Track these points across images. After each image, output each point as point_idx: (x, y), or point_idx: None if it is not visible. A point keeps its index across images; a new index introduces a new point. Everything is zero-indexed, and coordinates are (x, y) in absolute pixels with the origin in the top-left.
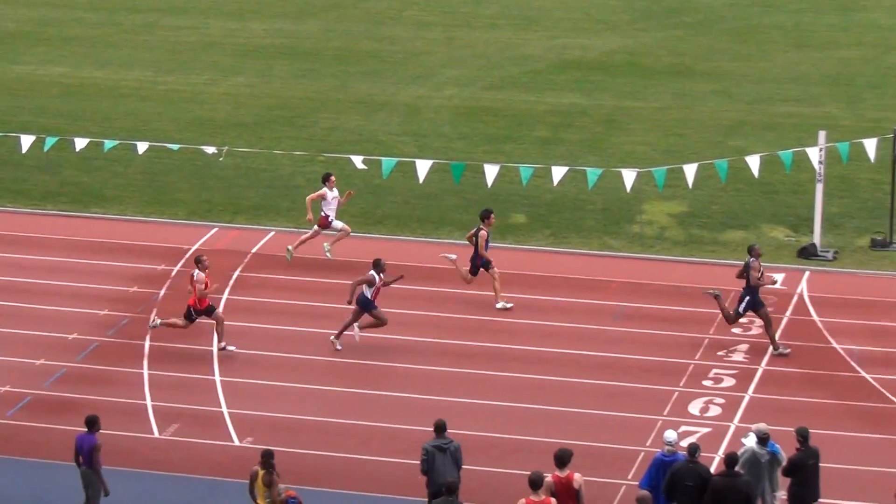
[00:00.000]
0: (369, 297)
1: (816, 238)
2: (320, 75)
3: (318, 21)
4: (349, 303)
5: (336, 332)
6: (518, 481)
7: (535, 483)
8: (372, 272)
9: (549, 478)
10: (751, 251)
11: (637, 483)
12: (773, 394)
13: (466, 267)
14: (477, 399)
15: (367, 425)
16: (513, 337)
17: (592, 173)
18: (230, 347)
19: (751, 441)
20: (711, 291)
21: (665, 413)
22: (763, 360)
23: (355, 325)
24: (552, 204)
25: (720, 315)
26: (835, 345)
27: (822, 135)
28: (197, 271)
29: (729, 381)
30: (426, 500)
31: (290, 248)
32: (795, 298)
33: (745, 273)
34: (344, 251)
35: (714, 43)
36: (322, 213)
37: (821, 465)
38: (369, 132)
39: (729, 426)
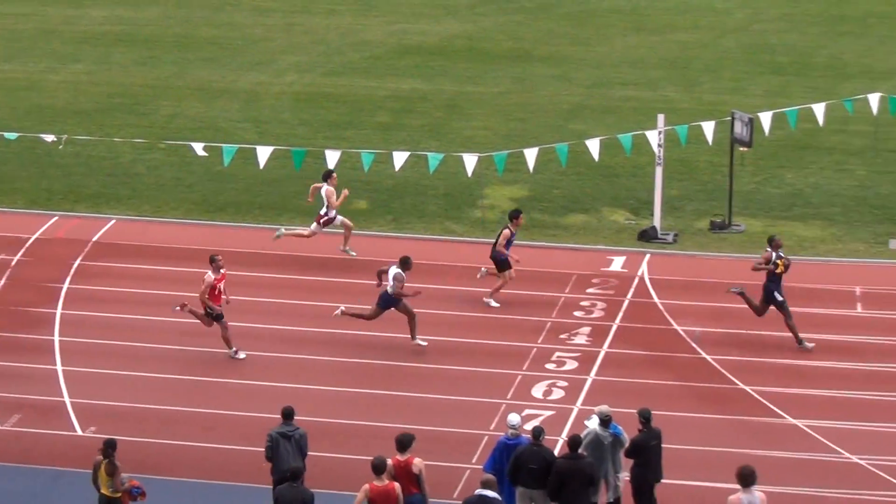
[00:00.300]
0: (391, 294)
1: (657, 221)
2: (160, 62)
3: (157, 8)
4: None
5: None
6: (362, 466)
7: (379, 468)
8: (398, 270)
9: (390, 461)
10: (770, 242)
11: (481, 467)
12: (616, 376)
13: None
14: (321, 385)
15: (210, 413)
16: (356, 322)
17: (434, 158)
18: (241, 354)
19: (594, 423)
20: (735, 290)
21: (508, 397)
22: (605, 342)
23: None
24: (394, 189)
25: (562, 299)
26: (675, 326)
27: (660, 118)
28: (209, 272)
29: (572, 364)
30: (271, 486)
31: (347, 249)
32: (636, 281)
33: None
34: (184, 238)
35: (553, 27)
36: (321, 211)
37: (663, 445)
38: (210, 119)
39: (572, 409)
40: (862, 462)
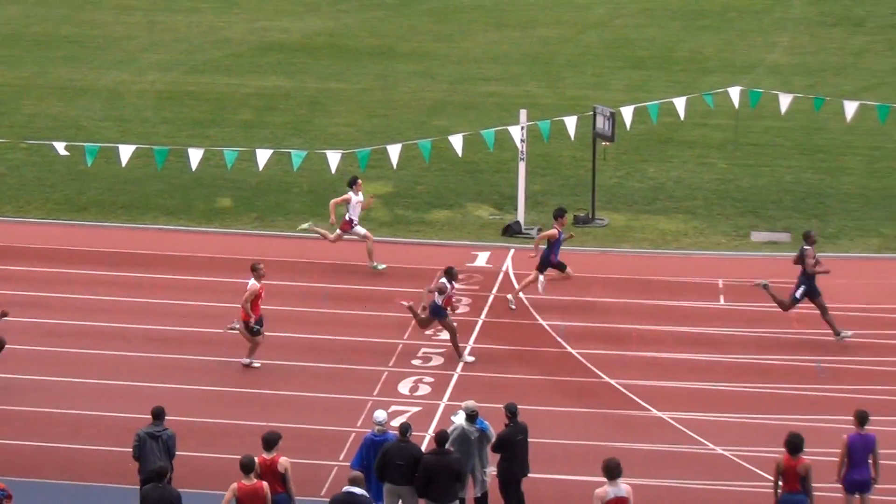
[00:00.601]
0: (440, 304)
1: (520, 216)
2: (20, 61)
3: (17, 6)
4: (423, 309)
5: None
6: (230, 465)
7: (247, 467)
8: (443, 280)
9: (258, 460)
10: (806, 238)
11: (348, 464)
12: (482, 371)
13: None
14: (188, 384)
15: (76, 413)
16: (222, 321)
17: (297, 156)
18: (255, 363)
19: (460, 418)
20: (760, 283)
21: (375, 393)
22: (470, 338)
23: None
24: (258, 187)
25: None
26: (541, 321)
27: (523, 113)
28: (252, 280)
29: (438, 360)
30: (139, 486)
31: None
32: (501, 276)
33: (801, 260)
34: (47, 238)
35: (415, 23)
36: (346, 217)
37: (529, 440)
38: (71, 118)
39: (438, 404)
40: (726, 453)
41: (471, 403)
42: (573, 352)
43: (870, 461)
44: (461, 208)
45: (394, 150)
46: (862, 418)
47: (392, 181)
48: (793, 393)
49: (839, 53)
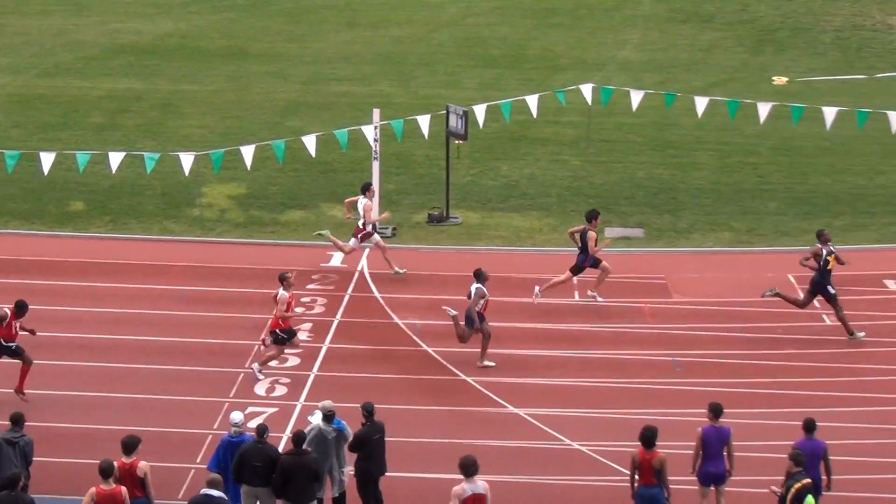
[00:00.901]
0: (480, 311)
1: (375, 215)
2: None
3: None
4: (482, 325)
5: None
6: (87, 470)
7: (106, 471)
8: (479, 285)
9: (117, 464)
10: (818, 237)
11: (206, 466)
12: (338, 371)
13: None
14: (45, 390)
15: None
16: (77, 325)
17: (150, 158)
18: (259, 375)
19: (317, 419)
20: (770, 293)
21: (231, 395)
22: (327, 338)
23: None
24: (110, 190)
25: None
26: (396, 320)
27: (376, 113)
28: (281, 290)
29: (294, 361)
30: None
31: (397, 269)
32: (356, 275)
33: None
34: None
35: (268, 24)
36: (359, 224)
37: (387, 438)
38: None
39: (295, 405)
40: (583, 448)
41: (327, 403)
42: (429, 350)
43: (725, 454)
44: (316, 208)
45: (247, 151)
46: (716, 411)
47: (246, 182)
48: (648, 387)
49: (689, 50)
